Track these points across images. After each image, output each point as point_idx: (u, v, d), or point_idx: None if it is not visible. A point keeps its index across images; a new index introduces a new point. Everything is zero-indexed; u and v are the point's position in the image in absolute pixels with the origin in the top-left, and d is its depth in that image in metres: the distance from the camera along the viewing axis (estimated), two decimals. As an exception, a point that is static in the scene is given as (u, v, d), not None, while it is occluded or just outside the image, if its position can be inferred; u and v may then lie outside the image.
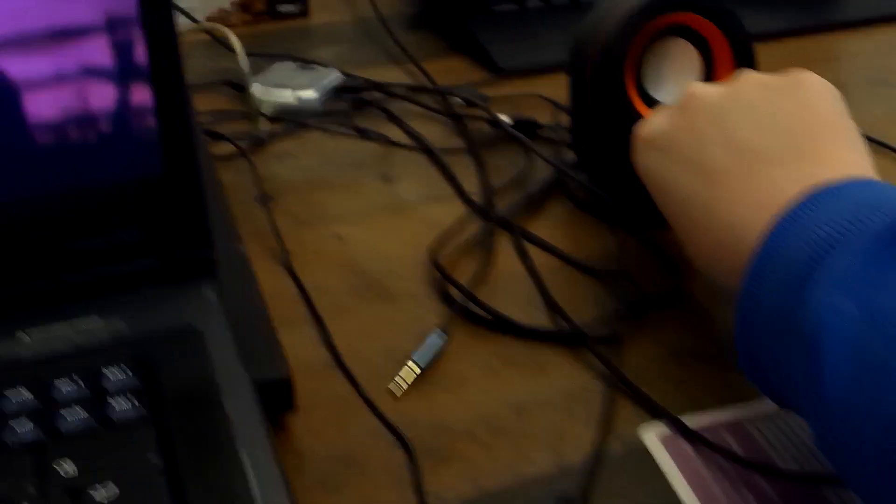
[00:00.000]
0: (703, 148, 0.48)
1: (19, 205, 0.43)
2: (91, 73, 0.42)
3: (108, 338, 0.42)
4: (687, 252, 0.50)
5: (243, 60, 0.66)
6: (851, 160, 0.45)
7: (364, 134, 0.71)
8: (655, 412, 0.48)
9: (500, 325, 0.53)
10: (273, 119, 0.72)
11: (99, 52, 0.42)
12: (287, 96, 0.73)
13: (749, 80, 0.50)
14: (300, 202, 0.63)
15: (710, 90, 0.50)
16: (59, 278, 0.44)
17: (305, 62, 0.79)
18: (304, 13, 0.92)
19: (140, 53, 0.42)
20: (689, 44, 0.59)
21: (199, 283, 0.45)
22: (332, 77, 0.76)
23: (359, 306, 0.54)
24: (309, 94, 0.74)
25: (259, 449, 0.38)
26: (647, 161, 0.52)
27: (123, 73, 0.43)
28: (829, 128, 0.46)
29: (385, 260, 0.58)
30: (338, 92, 0.76)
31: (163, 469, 0.37)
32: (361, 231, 0.61)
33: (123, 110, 0.43)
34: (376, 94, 0.76)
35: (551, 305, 0.54)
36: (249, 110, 0.69)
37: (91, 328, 0.43)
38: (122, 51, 0.42)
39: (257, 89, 0.73)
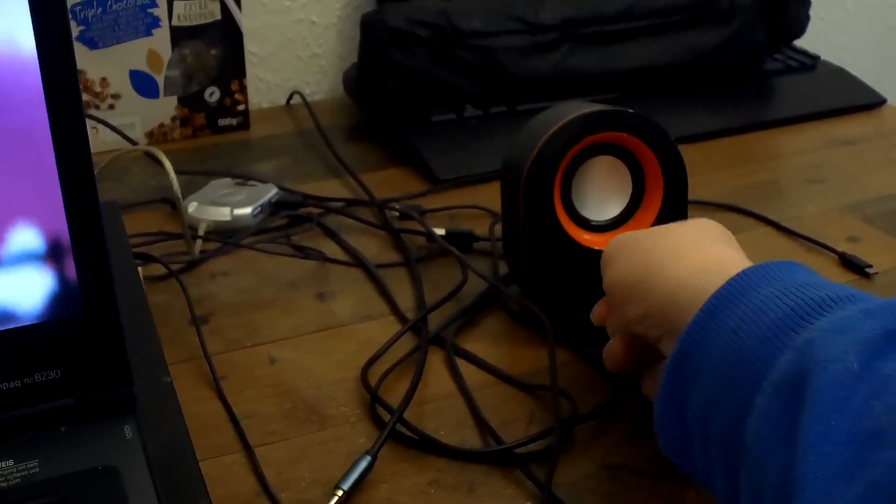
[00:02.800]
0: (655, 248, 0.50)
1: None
2: (9, 219, 0.42)
3: (21, 482, 0.42)
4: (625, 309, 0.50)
5: (174, 182, 0.66)
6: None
7: (300, 251, 0.71)
8: (586, 532, 0.47)
9: (429, 447, 0.52)
10: (208, 238, 0.72)
11: (16, 196, 0.42)
12: (223, 214, 0.74)
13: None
14: (234, 324, 0.63)
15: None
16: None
17: (243, 178, 0.80)
18: (244, 126, 0.93)
19: (56, 199, 0.43)
20: (619, 161, 0.60)
21: (117, 421, 0.44)
22: (270, 193, 0.77)
23: (289, 431, 0.54)
24: (245, 211, 0.74)
25: None
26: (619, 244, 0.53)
27: (41, 217, 0.43)
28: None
29: (317, 382, 0.58)
30: (275, 208, 0.76)
31: None
32: (295, 352, 0.60)
33: (42, 254, 0.43)
34: (313, 210, 0.76)
35: (482, 423, 0.54)
36: (182, 230, 0.69)
37: (4, 472, 0.42)
38: (40, 195, 0.42)
39: (193, 207, 0.74)
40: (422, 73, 0.89)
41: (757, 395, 0.38)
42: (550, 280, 0.60)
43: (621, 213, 0.61)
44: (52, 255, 0.43)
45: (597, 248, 0.59)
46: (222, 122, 0.93)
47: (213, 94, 0.92)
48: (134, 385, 0.45)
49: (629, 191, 0.61)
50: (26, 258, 0.43)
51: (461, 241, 0.71)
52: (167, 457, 0.44)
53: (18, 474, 0.42)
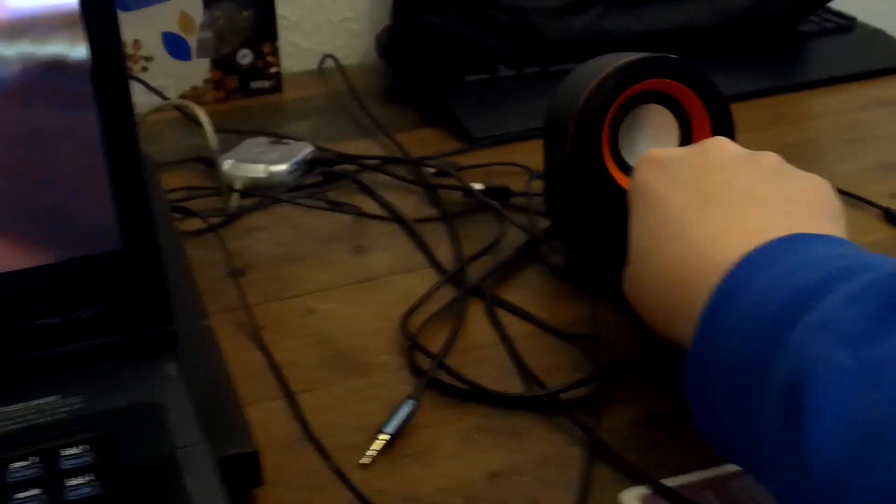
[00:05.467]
0: (708, 177, 0.48)
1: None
2: (49, 150, 0.42)
3: (66, 416, 0.41)
4: (640, 300, 0.49)
5: (212, 136, 0.65)
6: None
7: (336, 207, 0.70)
8: (635, 476, 0.46)
9: (472, 394, 0.52)
10: (245, 194, 0.71)
11: (56, 130, 0.42)
12: (258, 171, 0.73)
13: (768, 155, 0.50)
14: (270, 277, 0.63)
15: (734, 145, 0.51)
16: (16, 357, 0.43)
17: (277, 137, 0.79)
18: (276, 89, 0.93)
19: (95, 131, 0.42)
20: (665, 110, 0.59)
21: (160, 359, 0.44)
22: (304, 151, 0.76)
23: (329, 379, 0.53)
24: (280, 168, 0.74)
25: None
26: (647, 175, 0.50)
27: (80, 150, 0.42)
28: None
29: (356, 332, 0.57)
30: (310, 166, 0.76)
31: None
32: (332, 303, 0.60)
33: (81, 187, 0.43)
34: (349, 167, 0.76)
35: (525, 371, 0.53)
36: (220, 186, 0.68)
37: (49, 407, 0.42)
38: (78, 128, 0.42)
39: (228, 165, 0.73)
40: (454, 35, 0.88)
41: (765, 402, 0.36)
42: (598, 231, 0.59)
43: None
44: (93, 189, 0.42)
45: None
46: (254, 84, 0.92)
47: (245, 57, 0.91)
48: (175, 324, 0.45)
49: (676, 139, 0.60)
50: (67, 192, 0.42)
51: (498, 195, 0.70)
52: (210, 396, 0.44)
53: (63, 410, 0.42)
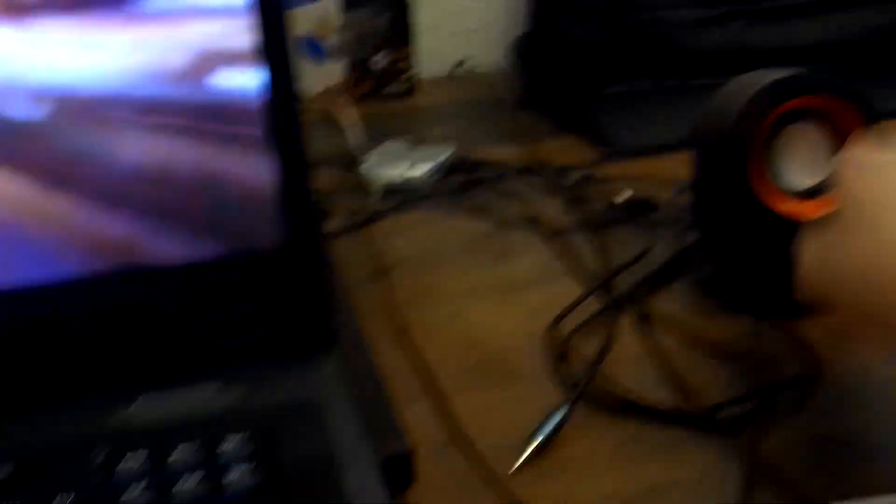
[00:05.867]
0: None
1: (144, 272, 0.42)
2: (218, 149, 0.42)
3: (227, 408, 0.41)
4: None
5: (355, 137, 0.65)
6: None
7: (476, 212, 0.70)
8: (798, 499, 0.44)
9: (626, 406, 0.50)
10: (384, 196, 0.71)
11: (226, 126, 0.42)
12: (398, 174, 0.73)
13: None
14: (413, 278, 0.62)
15: None
16: (181, 348, 0.43)
17: (416, 140, 0.79)
18: (409, 94, 0.93)
19: (265, 129, 0.42)
20: (820, 126, 0.57)
21: (318, 357, 0.44)
22: (444, 155, 0.76)
23: (476, 384, 0.53)
24: (420, 171, 0.73)
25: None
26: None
27: (249, 148, 0.42)
28: None
29: (502, 338, 0.56)
30: (449, 170, 0.75)
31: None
32: (476, 308, 0.59)
33: (248, 185, 0.43)
34: (488, 173, 0.75)
35: (679, 386, 0.52)
36: (361, 187, 0.68)
37: (211, 398, 0.42)
38: (248, 125, 0.42)
39: (368, 167, 0.73)
40: (593, 44, 0.87)
41: None
42: (747, 249, 0.57)
43: (824, 180, 0.58)
44: (258, 190, 0.43)
45: (796, 216, 0.56)
46: (388, 88, 0.92)
47: (379, 61, 0.92)
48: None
49: (829, 157, 0.58)
50: (234, 191, 0.43)
51: (641, 208, 0.69)
52: (364, 396, 0.44)
53: (223, 402, 0.42)
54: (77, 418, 0.41)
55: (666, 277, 0.62)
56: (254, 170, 0.43)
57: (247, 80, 0.42)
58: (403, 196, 0.71)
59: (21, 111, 0.40)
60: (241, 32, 0.42)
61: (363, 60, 0.91)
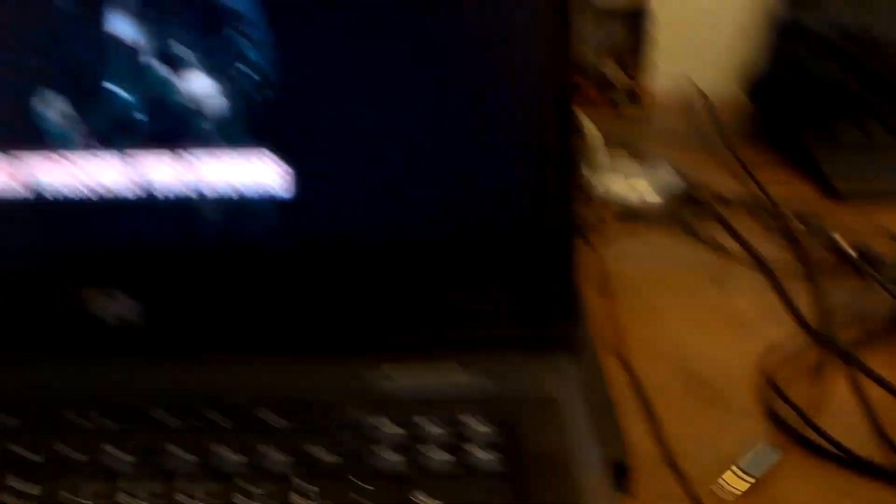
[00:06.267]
0: None
1: (407, 250, 0.47)
2: (489, 144, 0.46)
3: (471, 391, 0.45)
4: None
5: (599, 151, 0.68)
6: None
7: (700, 240, 0.71)
8: None
9: (838, 457, 0.51)
10: (613, 213, 0.74)
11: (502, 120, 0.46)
12: (628, 193, 0.75)
13: None
14: (634, 297, 0.65)
15: None
16: (432, 326, 0.47)
17: (646, 163, 0.81)
18: (642, 112, 0.95)
19: (538, 133, 0.45)
20: None
21: (560, 356, 0.47)
22: (673, 181, 0.77)
23: (689, 408, 0.55)
24: (650, 194, 0.75)
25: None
26: None
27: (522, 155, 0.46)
28: None
29: (715, 365, 0.58)
30: (676, 195, 0.77)
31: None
32: (694, 333, 0.61)
33: (515, 185, 0.46)
34: (713, 203, 0.76)
35: (890, 444, 0.52)
36: (589, 200, 0.71)
37: (456, 379, 0.45)
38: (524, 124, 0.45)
39: (598, 182, 0.76)
40: (831, 82, 0.87)
41: None
42: None
43: None
44: (527, 189, 0.46)
45: None
46: (621, 103, 0.94)
47: (616, 76, 0.94)
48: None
49: None
50: (499, 187, 0.46)
51: (864, 258, 0.69)
52: (596, 399, 0.46)
53: (472, 386, 0.45)
54: (342, 382, 0.45)
55: (885, 333, 0.62)
56: (521, 168, 0.46)
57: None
58: (629, 215, 0.74)
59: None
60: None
61: (600, 73, 0.94)
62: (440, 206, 0.46)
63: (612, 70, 0.94)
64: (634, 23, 0.93)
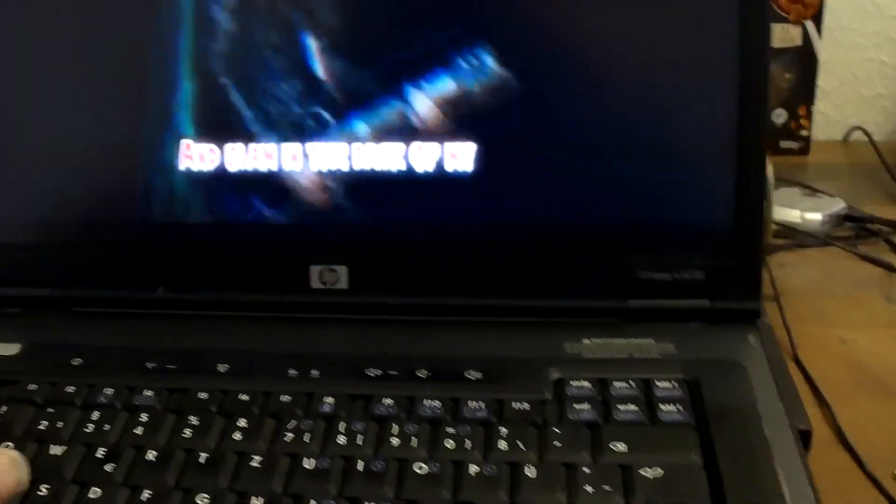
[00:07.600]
0: None
1: (602, 231, 0.51)
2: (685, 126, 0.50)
3: (659, 357, 0.49)
4: None
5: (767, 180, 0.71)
6: None
7: (867, 258, 0.73)
8: None
9: None
10: (778, 234, 0.76)
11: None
12: (793, 216, 0.78)
13: None
14: (803, 306, 0.67)
15: None
16: (624, 301, 0.51)
17: (811, 190, 0.83)
18: (804, 152, 0.97)
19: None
20: None
21: (743, 329, 0.50)
22: (838, 206, 0.80)
23: (863, 399, 0.57)
24: (815, 216, 0.78)
25: (796, 472, 0.42)
26: None
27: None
28: None
29: (887, 365, 0.60)
30: (841, 220, 0.79)
31: (702, 466, 0.42)
32: (865, 338, 0.63)
33: (708, 168, 0.50)
34: (881, 227, 0.78)
35: None
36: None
37: (645, 346, 0.49)
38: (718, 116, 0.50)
39: (766, 205, 0.78)
40: None
41: None
42: None
43: None
44: (715, 169, 0.50)
45: None
46: (784, 144, 0.97)
47: (780, 117, 0.97)
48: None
49: None
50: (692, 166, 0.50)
51: None
52: (777, 369, 0.49)
53: (657, 351, 0.49)
54: (535, 344, 0.50)
55: None
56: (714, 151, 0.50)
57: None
58: (797, 235, 0.76)
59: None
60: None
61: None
62: (644, 199, 0.52)
63: (782, 116, 0.97)
64: (806, 68, 0.96)
